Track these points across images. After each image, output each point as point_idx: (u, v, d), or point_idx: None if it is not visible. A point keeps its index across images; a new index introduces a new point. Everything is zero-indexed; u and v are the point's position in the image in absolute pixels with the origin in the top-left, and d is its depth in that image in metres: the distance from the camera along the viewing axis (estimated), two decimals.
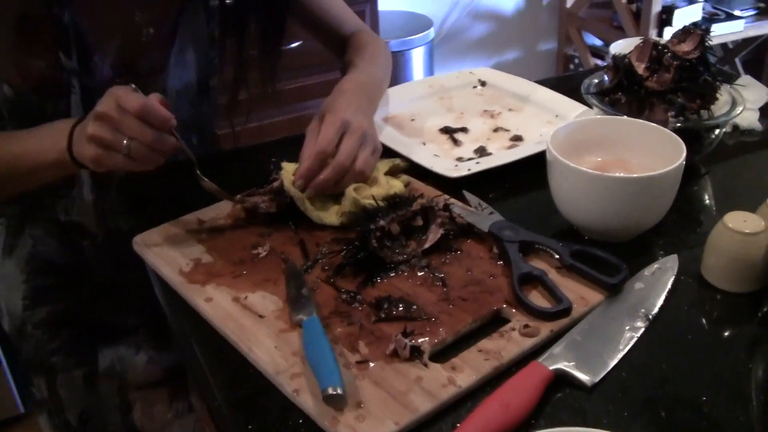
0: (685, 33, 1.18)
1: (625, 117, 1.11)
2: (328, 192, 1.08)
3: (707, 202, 1.19)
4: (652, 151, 1.07)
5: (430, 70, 3.26)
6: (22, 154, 1.03)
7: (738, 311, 0.93)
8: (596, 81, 1.26)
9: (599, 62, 3.77)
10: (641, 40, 1.20)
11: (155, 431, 1.56)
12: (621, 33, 3.40)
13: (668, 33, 3.10)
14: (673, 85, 1.15)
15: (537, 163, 1.19)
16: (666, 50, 1.16)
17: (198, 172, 1.03)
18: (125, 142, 0.93)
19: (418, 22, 3.21)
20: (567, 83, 1.50)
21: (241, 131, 1.35)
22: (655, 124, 1.06)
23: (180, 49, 1.24)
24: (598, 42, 3.83)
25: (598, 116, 1.13)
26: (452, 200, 1.08)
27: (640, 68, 1.18)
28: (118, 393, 1.47)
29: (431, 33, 3.19)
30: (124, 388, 1.47)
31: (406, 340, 0.84)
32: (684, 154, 0.99)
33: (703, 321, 0.92)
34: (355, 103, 1.15)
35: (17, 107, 1.14)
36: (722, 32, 3.22)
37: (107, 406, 1.45)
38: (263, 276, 0.98)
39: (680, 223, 1.09)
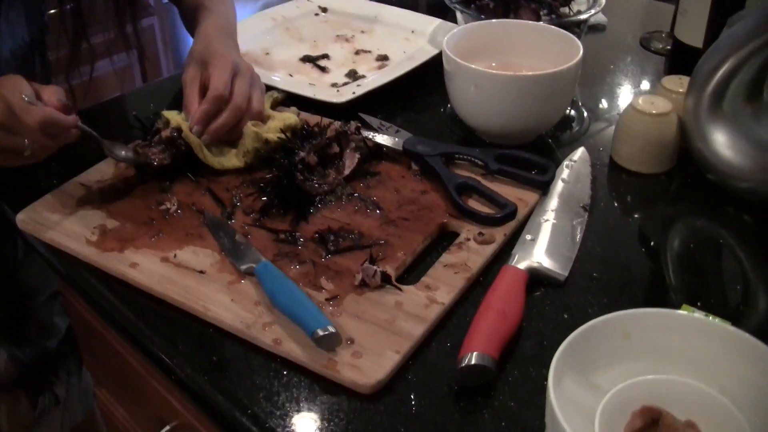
0: None
1: (518, 20, 1.11)
2: (224, 138, 1.00)
3: (575, 98, 1.22)
4: (537, 53, 1.08)
5: None
6: None
7: (659, 190, 0.97)
8: None
9: None
10: None
11: None
12: None
13: None
14: None
15: (409, 79, 1.18)
16: None
17: (106, 144, 0.95)
18: (26, 142, 0.84)
19: None
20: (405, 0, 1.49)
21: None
22: (551, 26, 1.07)
23: (9, 5, 1.08)
24: None
25: (493, 21, 1.12)
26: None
27: None
28: None
29: None
30: None
31: (375, 267, 0.79)
32: (581, 48, 1.01)
33: (633, 203, 0.95)
34: (231, 46, 1.09)
35: None
36: None
37: None
38: (183, 231, 0.89)
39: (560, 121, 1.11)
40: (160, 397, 0.95)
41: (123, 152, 0.95)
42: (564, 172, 0.97)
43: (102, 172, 0.99)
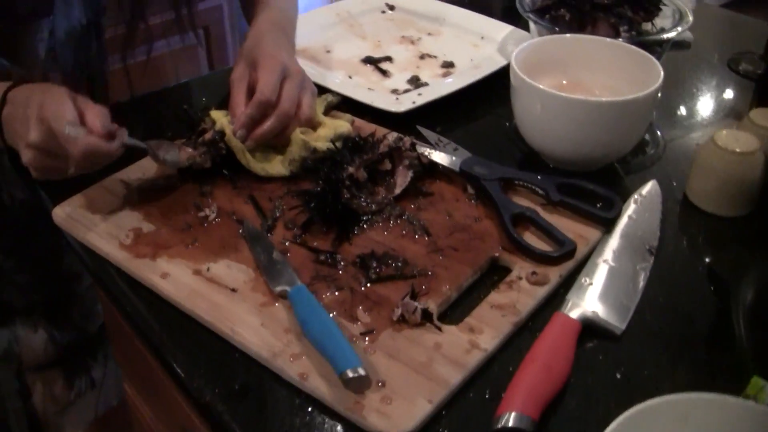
0: None
1: (594, 36, 1.03)
2: (270, 143, 0.96)
3: (655, 122, 1.13)
4: (612, 72, 1.01)
5: None
6: None
7: (736, 236, 0.89)
8: None
9: None
10: None
11: (56, 413, 1.41)
12: None
13: None
14: None
15: (476, 89, 1.11)
16: None
17: (151, 149, 0.91)
18: (70, 162, 0.82)
19: None
20: (477, 2, 1.42)
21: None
22: (629, 45, 0.99)
23: None
24: None
25: (567, 36, 1.05)
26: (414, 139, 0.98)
27: None
28: (17, 376, 1.31)
29: None
30: (21, 370, 1.32)
31: (416, 303, 0.74)
32: (662, 73, 0.93)
33: (706, 249, 0.88)
34: (283, 45, 1.03)
35: None
36: None
37: (6, 391, 1.29)
38: (219, 242, 0.85)
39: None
40: (181, 408, 0.91)
41: (165, 156, 0.91)
42: (631, 208, 0.90)
43: (144, 169, 0.96)
